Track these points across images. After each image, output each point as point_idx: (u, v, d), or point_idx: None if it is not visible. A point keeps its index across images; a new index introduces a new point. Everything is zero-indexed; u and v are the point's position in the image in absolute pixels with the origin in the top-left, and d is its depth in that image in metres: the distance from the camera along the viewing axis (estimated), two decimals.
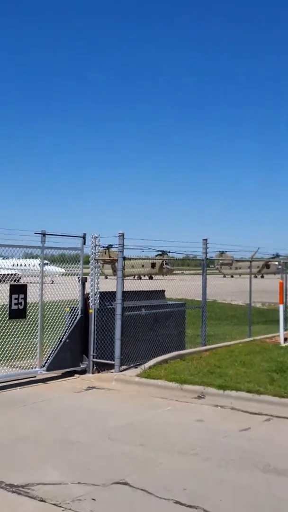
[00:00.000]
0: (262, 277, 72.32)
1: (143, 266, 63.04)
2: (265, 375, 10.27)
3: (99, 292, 11.65)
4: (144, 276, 63.36)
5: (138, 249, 12.77)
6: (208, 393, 9.46)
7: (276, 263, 19.81)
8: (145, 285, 15.15)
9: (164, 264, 61.34)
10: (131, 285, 13.05)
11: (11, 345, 10.48)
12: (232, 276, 63.55)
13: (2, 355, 10.30)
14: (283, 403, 8.74)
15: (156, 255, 19.80)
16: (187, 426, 7.82)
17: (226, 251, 19.81)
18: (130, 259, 12.66)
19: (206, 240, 14.38)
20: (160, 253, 18.72)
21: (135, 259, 14.68)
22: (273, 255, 20.93)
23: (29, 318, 10.82)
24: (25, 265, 13.98)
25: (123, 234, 11.54)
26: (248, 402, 8.95)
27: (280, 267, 18.74)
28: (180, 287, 15.39)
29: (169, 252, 16.82)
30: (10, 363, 10.62)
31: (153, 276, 63.74)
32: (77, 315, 11.50)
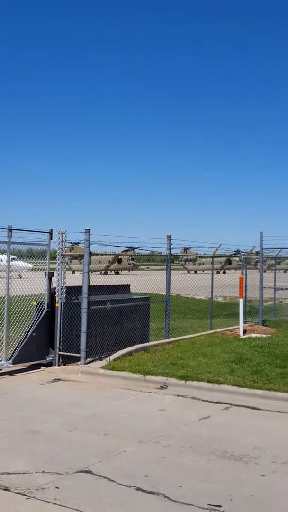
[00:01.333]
0: (224, 272, 73.54)
1: (109, 261, 63.22)
2: (225, 365, 10.68)
3: (66, 286, 11.85)
4: (111, 271, 63.57)
5: (104, 245, 13.03)
6: (170, 384, 9.80)
7: (237, 259, 20.32)
8: (111, 280, 15.39)
9: (130, 260, 61.65)
10: (97, 280, 13.30)
11: None
12: (195, 272, 64.25)
13: None
14: (241, 392, 9.15)
15: (123, 251, 20.06)
16: (150, 416, 8.12)
17: (190, 247, 20.20)
18: (96, 254, 12.92)
19: (170, 236, 14.71)
20: (126, 249, 19.00)
21: (101, 254, 14.92)
22: (235, 251, 21.45)
23: None
24: None
25: (89, 230, 11.76)
26: (209, 391, 9.33)
27: (240, 262, 19.27)
28: (145, 282, 15.73)
29: (135, 248, 17.13)
30: None
31: (119, 271, 63.99)
32: (44, 309, 11.68)
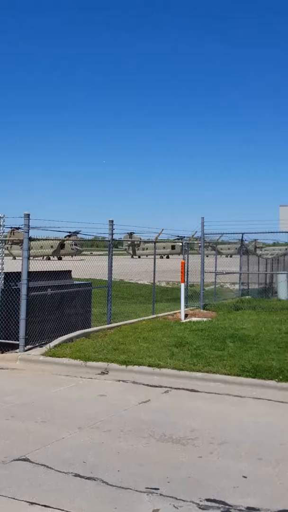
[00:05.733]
0: (168, 257, 74.17)
1: (52, 247, 62.45)
2: (165, 349, 10.76)
3: (4, 272, 11.57)
4: (54, 256, 62.82)
5: (46, 230, 12.77)
6: (111, 369, 9.79)
7: (180, 244, 20.53)
8: (53, 265, 15.16)
9: (73, 245, 61.13)
10: (39, 265, 13.05)
11: None
12: (139, 257, 64.55)
13: None
14: (181, 375, 9.25)
15: (65, 236, 19.84)
16: (90, 401, 8.08)
17: (134, 233, 20.29)
18: (36, 239, 12.64)
19: (112, 221, 14.62)
20: (69, 234, 18.78)
21: (42, 239, 14.65)
22: (178, 236, 21.64)
23: None
24: None
25: (28, 215, 11.49)
26: (149, 375, 9.39)
27: (183, 248, 19.45)
28: (88, 267, 15.61)
29: (78, 233, 16.94)
30: None
31: (62, 257, 63.33)
32: None
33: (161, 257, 74.35)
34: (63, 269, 14.09)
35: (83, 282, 14.27)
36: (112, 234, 14.60)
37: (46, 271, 13.00)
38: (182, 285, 16.10)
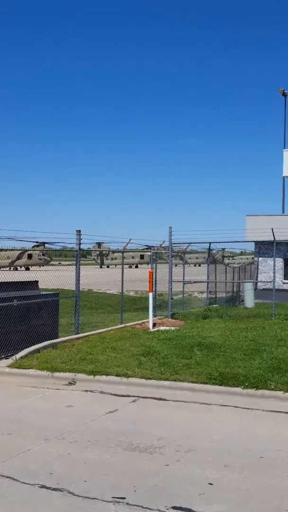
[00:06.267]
0: (137, 267, 74.31)
1: (18, 257, 61.82)
2: (133, 359, 10.77)
3: None
4: (21, 267, 62.21)
5: (12, 240, 12.67)
6: (79, 379, 9.74)
7: (149, 253, 20.63)
8: (20, 276, 15.05)
9: (41, 255, 60.65)
10: (5, 276, 12.94)
11: None
12: (108, 267, 64.44)
13: None
14: (148, 384, 9.27)
15: (33, 246, 19.71)
16: (57, 412, 8.02)
17: (103, 242, 20.25)
18: (2, 250, 12.54)
19: (79, 231, 14.60)
20: (37, 244, 18.64)
21: (9, 250, 14.53)
22: (146, 246, 21.72)
23: None
24: None
25: None
26: (117, 385, 9.37)
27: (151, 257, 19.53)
28: (56, 277, 15.54)
29: (45, 243, 16.84)
30: None
31: (30, 267, 62.75)
32: None
33: (130, 267, 74.40)
34: (30, 280, 13.98)
35: (50, 293, 14.18)
36: (80, 244, 14.58)
37: (12, 282, 12.88)
38: (150, 295, 16.16)
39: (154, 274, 18.38)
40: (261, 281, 29.37)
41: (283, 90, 46.66)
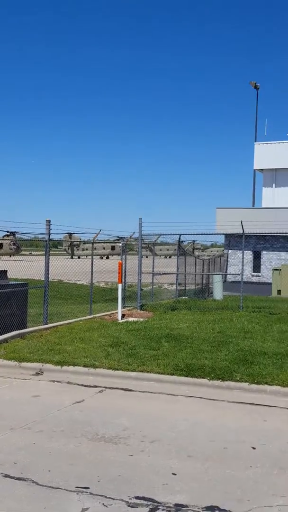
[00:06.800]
0: (108, 258, 74.22)
1: None
2: (101, 350, 10.79)
3: None
4: None
5: None
6: (46, 370, 9.72)
7: (120, 245, 20.64)
8: None
9: (12, 244, 60.01)
10: None
11: None
12: (79, 257, 64.10)
13: None
14: (116, 375, 9.31)
15: (4, 236, 19.50)
16: (23, 402, 7.99)
17: (74, 233, 20.15)
18: None
19: (49, 221, 14.49)
20: (8, 233, 18.43)
21: None
22: (118, 237, 21.70)
23: None
24: None
25: None
26: (84, 376, 9.40)
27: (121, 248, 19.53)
28: (27, 267, 15.42)
29: (16, 233, 16.66)
30: None
31: (0, 256, 62.03)
32: None
33: (101, 258, 74.18)
34: None
35: (19, 283, 14.06)
36: (49, 234, 14.47)
37: None
38: (120, 286, 16.18)
39: (124, 265, 18.40)
40: (230, 274, 29.70)
41: (255, 83, 46.96)
